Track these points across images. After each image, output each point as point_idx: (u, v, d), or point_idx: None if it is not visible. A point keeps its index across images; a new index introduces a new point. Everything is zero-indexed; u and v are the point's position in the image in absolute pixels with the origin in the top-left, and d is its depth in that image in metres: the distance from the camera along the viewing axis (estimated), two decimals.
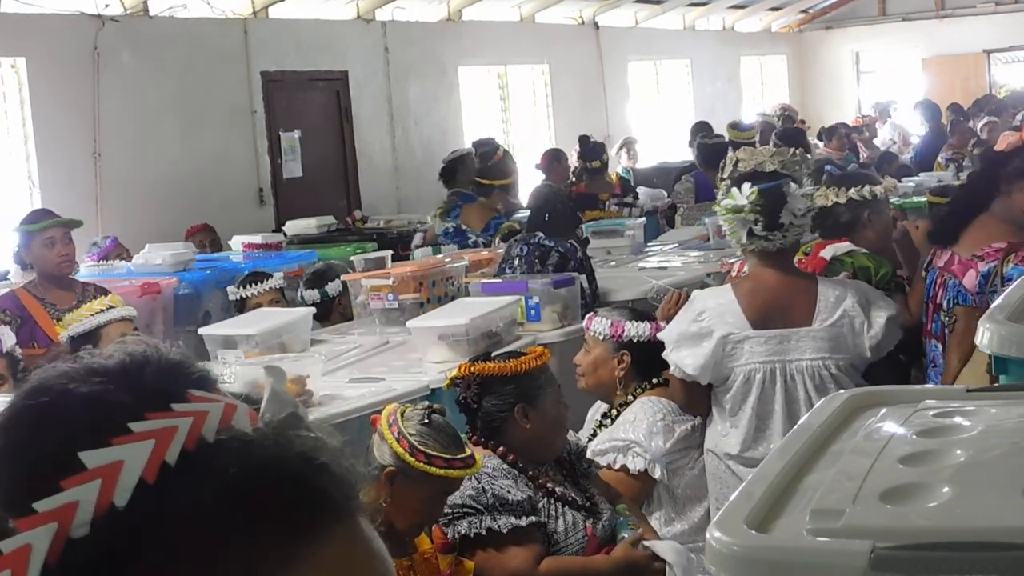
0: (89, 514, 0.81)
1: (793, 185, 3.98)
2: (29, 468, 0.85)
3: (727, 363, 4.03)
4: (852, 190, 4.76)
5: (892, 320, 4.05)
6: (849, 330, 4.02)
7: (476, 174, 10.37)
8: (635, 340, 4.31)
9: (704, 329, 4.02)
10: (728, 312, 4.03)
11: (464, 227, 8.08)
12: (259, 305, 5.71)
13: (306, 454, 0.88)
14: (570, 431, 3.87)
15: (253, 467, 0.86)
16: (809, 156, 4.70)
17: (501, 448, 3.55)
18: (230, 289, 5.93)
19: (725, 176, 4.13)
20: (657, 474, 4.09)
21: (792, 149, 4.26)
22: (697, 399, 4.17)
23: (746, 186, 3.96)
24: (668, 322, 4.24)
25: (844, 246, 4.65)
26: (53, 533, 0.80)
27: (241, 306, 5.80)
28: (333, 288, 6.02)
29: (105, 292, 5.61)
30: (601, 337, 4.35)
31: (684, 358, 4.04)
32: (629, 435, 4.12)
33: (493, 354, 3.76)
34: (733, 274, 4.87)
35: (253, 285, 5.79)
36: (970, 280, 4.13)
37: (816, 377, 3.99)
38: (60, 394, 0.89)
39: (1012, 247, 3.94)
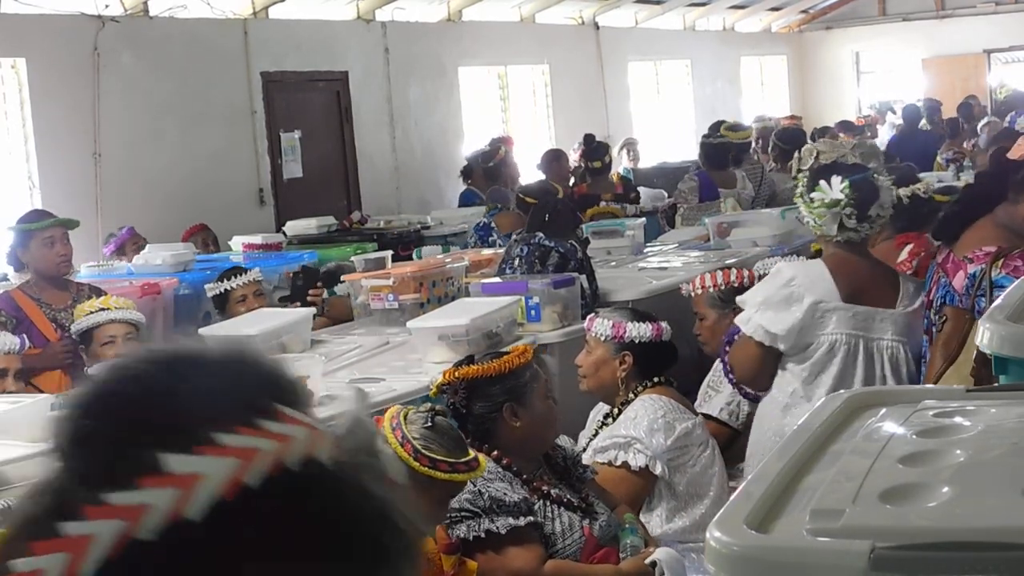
0: (158, 520, 0.79)
1: (881, 178, 4.11)
2: (112, 453, 0.82)
3: (813, 330, 4.09)
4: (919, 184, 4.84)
5: None
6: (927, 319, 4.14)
7: (484, 175, 10.46)
8: (637, 340, 4.32)
9: (795, 294, 4.10)
10: (820, 281, 4.11)
11: (493, 226, 8.17)
12: (243, 297, 5.71)
13: (383, 509, 0.86)
14: (566, 437, 3.86)
15: (329, 508, 0.83)
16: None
17: (495, 452, 3.54)
18: (208, 286, 5.90)
19: (805, 168, 4.23)
20: (658, 470, 4.09)
21: (869, 142, 4.39)
22: (766, 369, 4.20)
23: (836, 179, 4.06)
24: None
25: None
26: (119, 530, 0.78)
27: (223, 301, 5.78)
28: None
29: (99, 292, 5.62)
30: (603, 338, 4.35)
31: (771, 321, 4.08)
32: (630, 432, 4.12)
33: (476, 356, 3.75)
34: (697, 292, 4.92)
35: (234, 278, 5.79)
36: (959, 281, 4.14)
37: (893, 359, 4.11)
38: (152, 382, 0.85)
39: (1000, 252, 3.92)
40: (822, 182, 4.09)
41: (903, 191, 4.67)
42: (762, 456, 4.02)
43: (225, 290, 5.78)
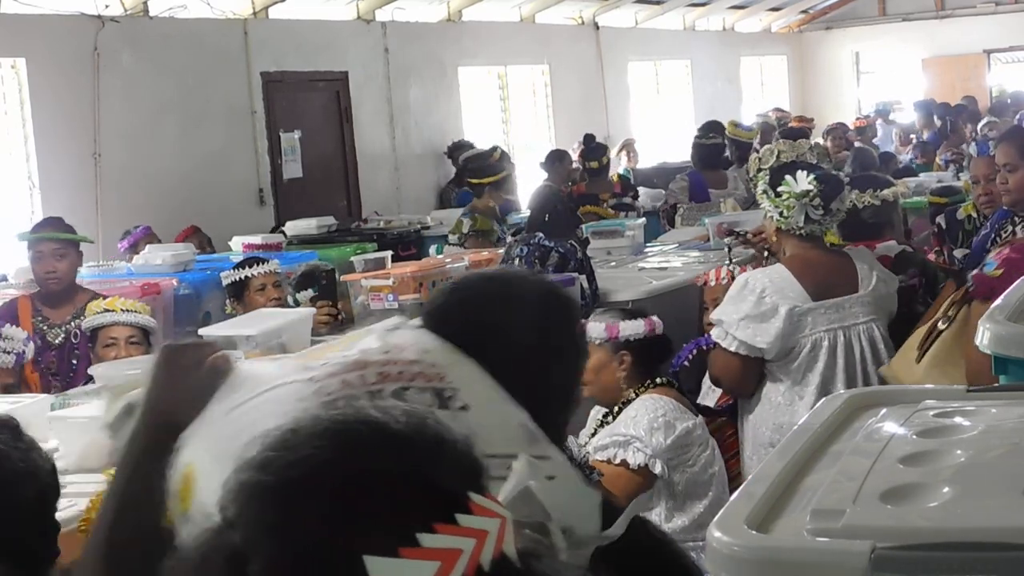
0: None
1: (841, 174, 4.33)
2: (312, 553, 0.77)
3: (794, 335, 4.24)
4: (882, 192, 4.94)
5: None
6: (885, 291, 4.36)
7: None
8: (632, 339, 4.33)
9: (769, 306, 4.23)
10: (788, 287, 4.25)
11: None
12: (263, 286, 5.63)
13: None
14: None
15: None
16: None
17: None
18: (224, 274, 5.78)
19: (766, 166, 4.43)
20: (657, 469, 4.10)
21: (825, 147, 4.61)
22: (752, 377, 4.32)
23: (801, 173, 4.20)
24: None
25: (892, 246, 4.83)
26: None
27: (241, 289, 5.66)
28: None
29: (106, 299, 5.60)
30: (598, 341, 4.36)
31: (753, 336, 4.21)
32: (630, 430, 4.13)
33: None
34: (712, 283, 4.94)
35: (255, 266, 5.69)
36: None
37: (870, 339, 4.29)
38: (348, 466, 0.80)
39: (1010, 240, 4.00)
40: (787, 176, 4.22)
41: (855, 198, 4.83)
42: (759, 459, 4.05)
43: (244, 277, 5.65)
